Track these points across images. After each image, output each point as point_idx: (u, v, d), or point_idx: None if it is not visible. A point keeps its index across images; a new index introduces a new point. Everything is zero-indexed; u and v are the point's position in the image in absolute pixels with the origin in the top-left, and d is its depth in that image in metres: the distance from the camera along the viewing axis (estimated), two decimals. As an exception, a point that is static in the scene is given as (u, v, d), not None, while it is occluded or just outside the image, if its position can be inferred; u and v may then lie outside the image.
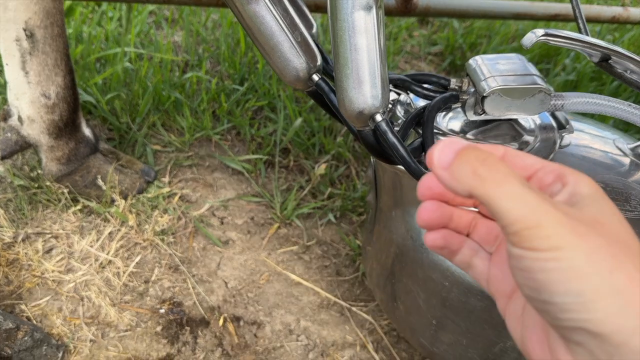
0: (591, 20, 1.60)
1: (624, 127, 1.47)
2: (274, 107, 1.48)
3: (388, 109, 0.72)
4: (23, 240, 1.09)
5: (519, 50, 1.87)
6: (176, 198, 1.24)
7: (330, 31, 0.60)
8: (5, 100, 1.17)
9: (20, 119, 1.09)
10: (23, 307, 1.00)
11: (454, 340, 0.72)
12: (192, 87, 1.46)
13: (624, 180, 0.72)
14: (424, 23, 2.09)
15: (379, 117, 0.60)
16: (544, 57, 1.87)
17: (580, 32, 0.82)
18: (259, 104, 1.46)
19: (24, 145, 1.11)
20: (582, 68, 1.76)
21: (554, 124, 0.75)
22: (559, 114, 0.77)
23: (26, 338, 0.92)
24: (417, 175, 0.60)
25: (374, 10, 0.57)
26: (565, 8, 1.57)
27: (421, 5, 1.36)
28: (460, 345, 0.72)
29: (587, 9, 1.62)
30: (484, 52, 1.84)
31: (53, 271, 1.06)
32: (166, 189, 1.24)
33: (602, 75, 1.76)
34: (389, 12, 1.37)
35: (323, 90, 0.66)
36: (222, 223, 1.23)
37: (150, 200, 1.21)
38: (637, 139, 0.82)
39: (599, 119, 1.48)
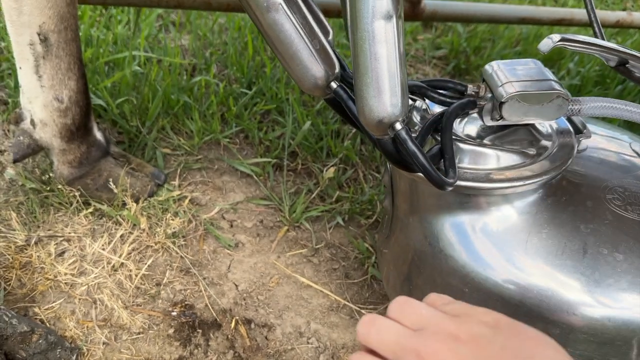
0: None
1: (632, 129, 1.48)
2: (282, 110, 1.49)
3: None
4: (35, 243, 1.10)
5: (523, 54, 1.88)
6: (186, 201, 1.24)
7: (350, 40, 0.61)
8: (18, 104, 1.17)
9: (32, 122, 1.09)
10: (36, 310, 1.00)
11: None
12: (201, 90, 1.47)
13: None
14: (428, 27, 2.10)
15: (398, 126, 0.60)
16: (548, 62, 1.88)
17: (596, 36, 0.83)
18: (267, 108, 1.47)
19: (36, 149, 1.12)
20: (586, 72, 1.77)
21: (571, 128, 0.76)
22: (575, 118, 0.78)
23: (40, 341, 0.92)
24: (437, 183, 0.61)
25: (394, 20, 0.58)
26: (570, 13, 1.59)
27: (428, 10, 1.37)
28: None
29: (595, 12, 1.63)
30: (488, 56, 1.85)
31: (66, 274, 1.06)
32: (176, 192, 1.25)
33: (606, 79, 1.77)
34: (397, 17, 1.38)
35: (341, 98, 0.67)
36: (231, 226, 1.24)
37: (161, 203, 1.21)
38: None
39: (606, 121, 1.49)
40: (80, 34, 1.45)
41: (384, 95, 0.59)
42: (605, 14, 1.64)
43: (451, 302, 0.46)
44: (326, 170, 1.33)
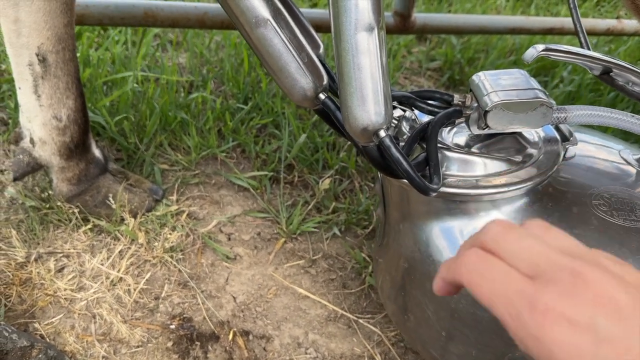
0: (586, 32, 1.63)
1: (624, 137, 1.50)
2: (278, 124, 1.51)
3: (393, 125, 0.74)
4: (35, 260, 1.11)
5: (517, 64, 1.90)
6: (184, 215, 1.26)
7: (334, 51, 0.63)
8: (17, 123, 1.19)
9: (32, 141, 1.11)
10: (36, 325, 1.01)
11: (463, 351, 0.74)
12: (198, 107, 1.49)
13: (629, 191, 0.73)
14: (422, 40, 2.12)
15: (382, 133, 0.62)
16: (542, 70, 1.90)
17: (581, 45, 0.85)
18: (263, 122, 1.49)
19: (36, 167, 1.14)
20: (580, 80, 1.79)
21: (558, 136, 0.77)
22: (562, 126, 0.79)
23: (40, 356, 0.93)
24: (420, 189, 0.62)
25: (375, 31, 0.60)
26: (560, 22, 1.61)
27: (419, 23, 1.40)
28: (470, 356, 0.73)
29: (582, 22, 1.65)
30: (482, 67, 1.87)
31: (65, 290, 1.07)
32: (174, 207, 1.26)
33: (600, 86, 1.79)
34: (388, 30, 1.41)
35: (329, 108, 0.69)
36: (229, 239, 1.25)
37: (158, 218, 1.23)
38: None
39: (599, 129, 1.50)
40: (79, 54, 1.48)
41: (368, 104, 0.61)
42: (595, 22, 1.66)
43: None
44: (322, 182, 1.35)
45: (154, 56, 1.67)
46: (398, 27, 1.42)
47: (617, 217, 0.68)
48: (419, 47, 2.07)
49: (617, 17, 1.78)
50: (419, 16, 1.45)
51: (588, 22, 1.65)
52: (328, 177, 1.39)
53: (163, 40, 1.80)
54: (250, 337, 1.07)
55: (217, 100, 1.49)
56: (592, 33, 1.66)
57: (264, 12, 0.64)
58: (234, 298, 1.13)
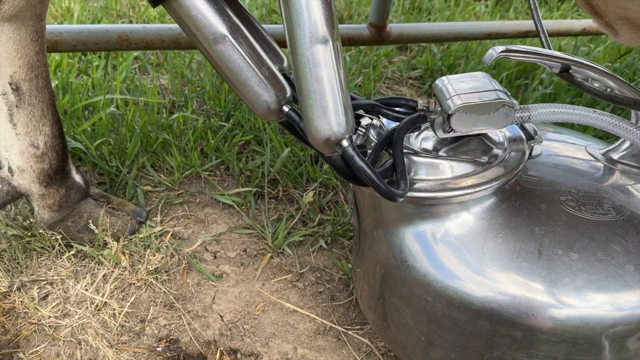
0: (563, 33, 1.65)
1: (604, 134, 1.50)
2: (260, 140, 1.51)
3: (360, 134, 0.75)
4: (18, 288, 1.10)
5: (496, 68, 1.91)
6: (168, 236, 1.25)
7: (292, 65, 0.63)
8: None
9: (10, 170, 1.11)
10: (21, 355, 1.00)
11: (443, 354, 0.73)
12: (179, 127, 1.50)
13: (596, 185, 0.74)
14: (403, 49, 2.14)
15: (345, 143, 0.62)
16: (522, 73, 1.91)
17: (542, 45, 0.86)
18: (246, 139, 1.50)
19: (16, 196, 1.13)
20: (559, 80, 1.80)
21: (523, 135, 0.78)
22: (527, 125, 0.79)
23: (24, 386, 0.92)
24: (386, 196, 0.62)
25: (330, 44, 0.60)
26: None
27: (394, 33, 1.41)
28: (450, 359, 0.73)
29: (558, 23, 1.67)
30: (463, 73, 1.88)
31: (49, 317, 1.07)
32: (158, 228, 1.26)
33: (580, 85, 1.79)
34: (364, 42, 1.42)
35: (294, 120, 0.69)
36: (215, 257, 1.24)
37: (142, 240, 1.22)
38: (609, 144, 0.84)
39: (580, 128, 1.51)
40: (58, 81, 1.49)
41: (329, 115, 0.61)
42: (571, 23, 1.67)
43: None
44: (306, 195, 1.35)
45: (134, 79, 1.68)
46: (374, 38, 1.43)
47: (585, 212, 0.68)
48: (399, 57, 2.08)
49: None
50: (394, 26, 1.46)
51: (564, 23, 1.66)
52: (312, 189, 1.39)
53: (143, 63, 1.81)
54: (239, 355, 1.06)
55: (198, 120, 1.50)
56: (568, 34, 1.67)
57: (221, 28, 0.65)
58: (221, 317, 1.12)
